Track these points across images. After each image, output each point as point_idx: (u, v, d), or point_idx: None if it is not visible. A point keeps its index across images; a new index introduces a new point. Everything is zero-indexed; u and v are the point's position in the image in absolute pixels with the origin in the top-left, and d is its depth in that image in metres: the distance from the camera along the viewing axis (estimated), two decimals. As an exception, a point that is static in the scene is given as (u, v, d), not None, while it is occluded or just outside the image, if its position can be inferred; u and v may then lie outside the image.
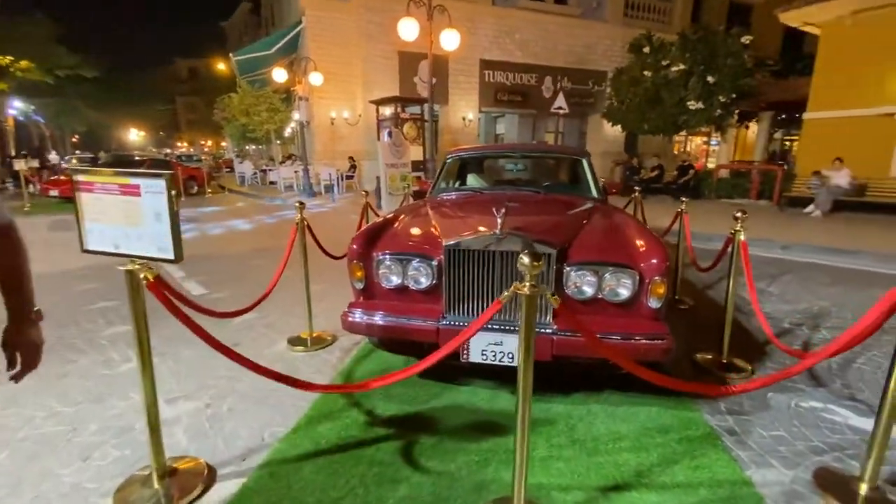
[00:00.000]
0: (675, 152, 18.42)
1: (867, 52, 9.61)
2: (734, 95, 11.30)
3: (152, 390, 1.70)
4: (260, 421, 2.23)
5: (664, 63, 11.63)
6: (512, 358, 2.12)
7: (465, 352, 2.17)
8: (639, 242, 2.25)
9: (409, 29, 8.07)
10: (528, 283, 1.31)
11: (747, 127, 17.59)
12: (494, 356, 2.13)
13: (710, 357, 2.89)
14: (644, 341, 2.04)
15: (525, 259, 1.29)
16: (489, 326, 2.17)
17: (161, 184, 1.43)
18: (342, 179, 14.11)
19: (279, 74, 12.63)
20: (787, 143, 19.76)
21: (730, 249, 2.79)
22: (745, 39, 10.91)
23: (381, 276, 2.38)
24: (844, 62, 10.02)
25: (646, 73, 12.00)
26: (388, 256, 2.37)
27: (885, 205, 8.71)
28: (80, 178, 1.52)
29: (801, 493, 1.77)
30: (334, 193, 12.65)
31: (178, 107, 54.67)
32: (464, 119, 16.33)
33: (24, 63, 19.75)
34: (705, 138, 20.63)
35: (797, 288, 4.60)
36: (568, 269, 2.16)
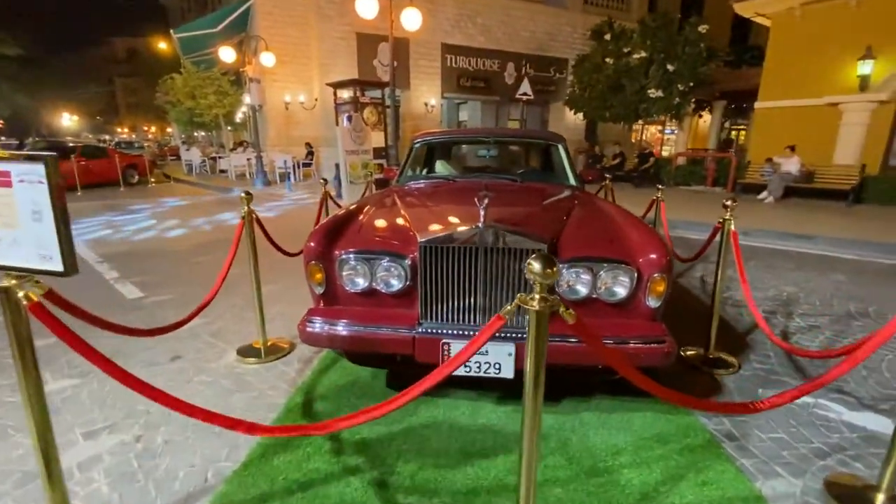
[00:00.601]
0: (633, 140, 18.80)
1: (814, 44, 9.98)
2: (692, 84, 11.51)
3: (46, 439, 1.32)
4: (203, 455, 1.87)
5: (625, 50, 11.67)
6: (499, 369, 1.87)
7: (446, 364, 1.89)
8: (635, 235, 2.05)
9: (367, 6, 7.58)
10: (538, 295, 1.04)
11: (700, 116, 18.15)
12: (479, 368, 1.87)
13: (695, 352, 2.76)
14: (644, 345, 1.84)
15: (536, 265, 1.02)
16: (472, 334, 1.91)
17: (39, 170, 1.05)
18: (299, 167, 13.41)
19: (226, 54, 11.73)
20: (735, 132, 20.60)
21: (717, 239, 2.64)
22: (702, 28, 11.10)
23: (345, 279, 2.06)
24: (793, 53, 10.39)
25: (608, 60, 12.02)
26: (352, 255, 2.04)
27: (831, 191, 9.14)
28: (-76, 162, 1.11)
29: (815, 505, 1.64)
30: (290, 182, 11.98)
31: (116, 89, 50.73)
32: (426, 105, 15.90)
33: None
34: (660, 127, 21.17)
35: (763, 274, 4.63)
36: (560, 266, 1.92)
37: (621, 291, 1.91)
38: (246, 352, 2.74)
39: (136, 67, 44.66)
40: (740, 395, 2.39)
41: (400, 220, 2.28)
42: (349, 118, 9.75)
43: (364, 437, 1.96)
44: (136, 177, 13.69)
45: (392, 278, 2.03)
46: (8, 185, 1.08)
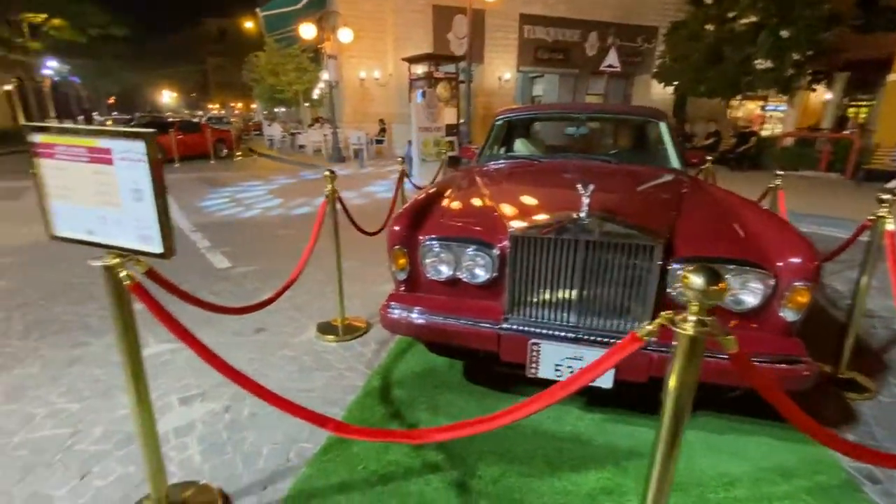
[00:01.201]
0: (727, 118, 16.94)
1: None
2: (810, 53, 9.99)
3: (150, 419, 1.35)
4: (286, 432, 1.88)
5: (730, 15, 10.35)
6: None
7: (535, 365, 1.74)
8: (769, 233, 1.72)
9: (447, -25, 7.27)
10: (693, 317, 0.83)
11: (813, 90, 15.86)
12: (572, 373, 1.69)
13: (820, 369, 2.35)
14: (776, 365, 1.55)
15: (696, 280, 0.81)
16: (566, 336, 1.73)
17: (139, 147, 1.01)
18: (371, 144, 13.60)
19: (307, 30, 11.98)
20: (854, 109, 17.81)
21: (865, 239, 2.20)
22: (830, -15, 9.52)
23: (429, 266, 1.94)
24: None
25: (707, 27, 10.75)
26: (436, 242, 1.92)
27: None
28: (38, 138, 1.11)
29: None
30: (363, 159, 12.19)
31: (208, 68, 54.58)
32: (499, 79, 15.36)
33: (56, 21, 19.71)
34: (761, 103, 18.86)
35: (899, 279, 3.91)
36: (675, 266, 1.66)
37: (751, 300, 1.62)
38: (325, 329, 2.77)
39: (226, 46, 47.66)
40: (880, 426, 2.01)
41: (488, 206, 2.12)
42: (423, 94, 9.62)
43: (442, 433, 1.87)
44: (225, 150, 14.66)
45: (478, 268, 1.88)
46: (109, 162, 1.05)
